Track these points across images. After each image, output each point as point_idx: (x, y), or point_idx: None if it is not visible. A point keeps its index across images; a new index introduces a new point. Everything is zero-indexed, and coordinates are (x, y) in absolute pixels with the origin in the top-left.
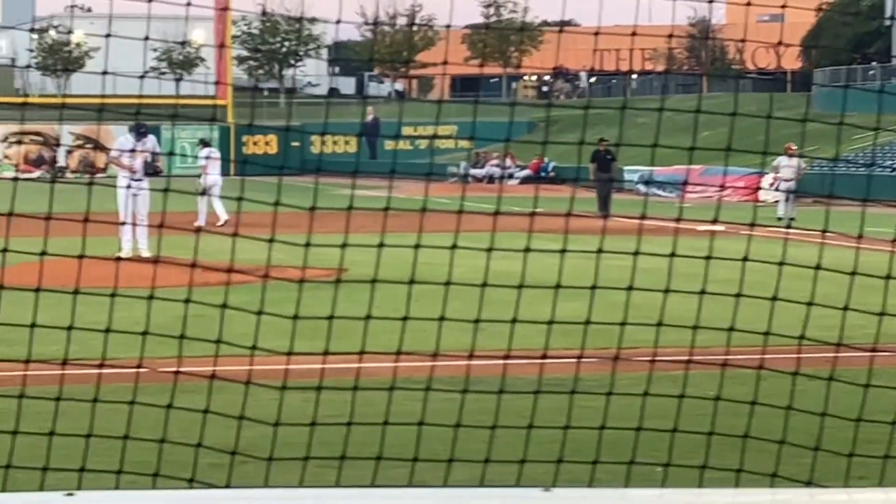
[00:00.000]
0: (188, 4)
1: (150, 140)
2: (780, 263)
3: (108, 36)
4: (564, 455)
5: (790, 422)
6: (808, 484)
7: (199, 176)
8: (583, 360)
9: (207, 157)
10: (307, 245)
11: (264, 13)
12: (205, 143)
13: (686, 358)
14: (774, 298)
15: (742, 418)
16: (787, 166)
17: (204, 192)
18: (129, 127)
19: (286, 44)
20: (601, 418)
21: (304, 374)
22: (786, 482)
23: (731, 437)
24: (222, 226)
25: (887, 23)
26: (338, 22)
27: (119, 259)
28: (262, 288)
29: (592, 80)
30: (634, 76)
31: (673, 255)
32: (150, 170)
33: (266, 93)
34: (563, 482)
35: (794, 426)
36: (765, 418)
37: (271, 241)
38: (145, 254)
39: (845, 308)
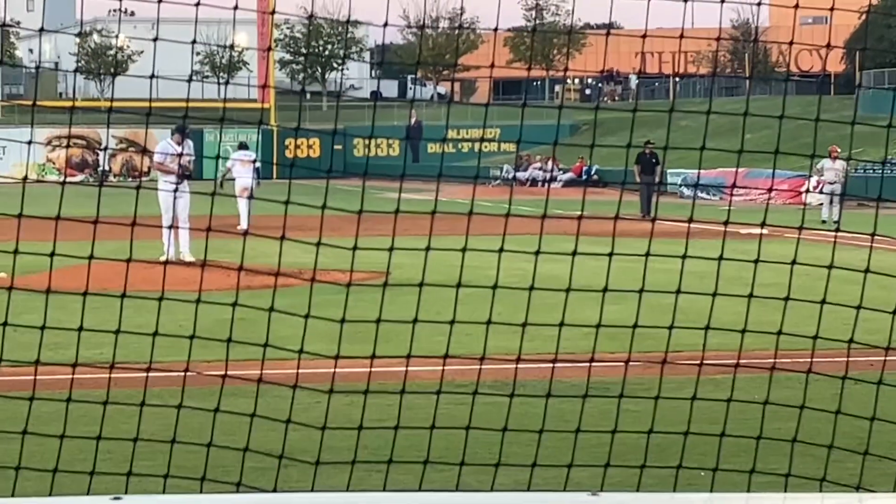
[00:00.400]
0: (235, 8)
1: (188, 144)
2: (829, 267)
3: (155, 40)
4: (611, 459)
5: (838, 426)
6: (857, 489)
7: (223, 176)
8: (630, 363)
9: (236, 160)
10: (354, 248)
11: (310, 17)
12: (242, 146)
13: (733, 362)
14: (823, 302)
15: (790, 422)
16: (831, 169)
17: (251, 197)
18: (173, 129)
19: (329, 47)
20: (648, 422)
21: (350, 378)
22: (834, 487)
23: (779, 441)
24: (243, 232)
25: None
26: (385, 25)
27: (166, 262)
28: (308, 291)
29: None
30: (678, 79)
31: (721, 258)
32: (185, 172)
33: (309, 96)
34: (609, 487)
35: (843, 430)
36: (813, 422)
37: (318, 244)
38: (188, 258)
39: (894, 312)
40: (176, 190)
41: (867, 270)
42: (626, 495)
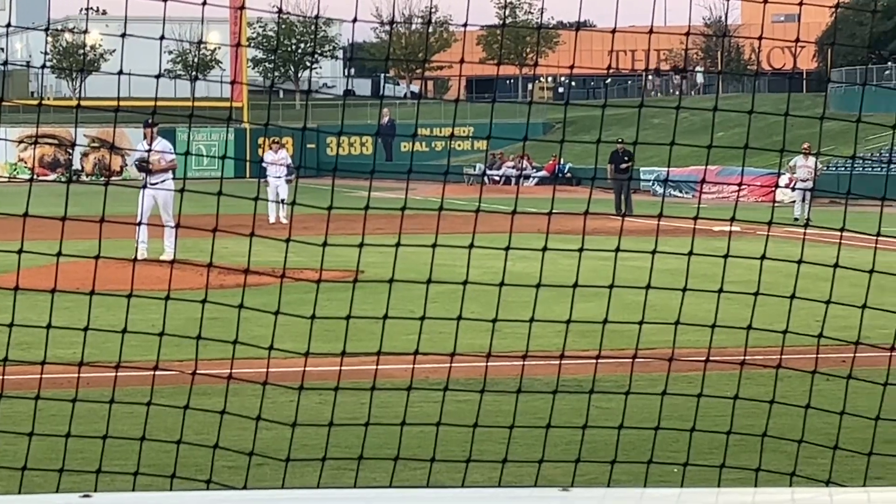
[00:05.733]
0: (204, 3)
1: (160, 141)
2: (799, 262)
3: (123, 35)
4: (582, 455)
5: (808, 422)
6: (827, 484)
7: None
8: (600, 360)
9: (269, 162)
10: (324, 245)
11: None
12: (279, 144)
13: (703, 358)
14: (792, 297)
15: (760, 418)
16: (804, 166)
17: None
18: (145, 124)
19: (302, 45)
20: (619, 419)
21: (320, 376)
22: (804, 482)
23: (749, 436)
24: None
25: None
26: (354, 20)
27: (135, 260)
28: (278, 289)
29: (608, 80)
30: (650, 76)
31: (690, 254)
32: (162, 169)
33: (282, 94)
34: (581, 482)
35: (813, 426)
36: (783, 418)
37: (288, 241)
38: (166, 257)
39: (863, 307)
40: (144, 186)
41: (836, 266)
42: (597, 490)
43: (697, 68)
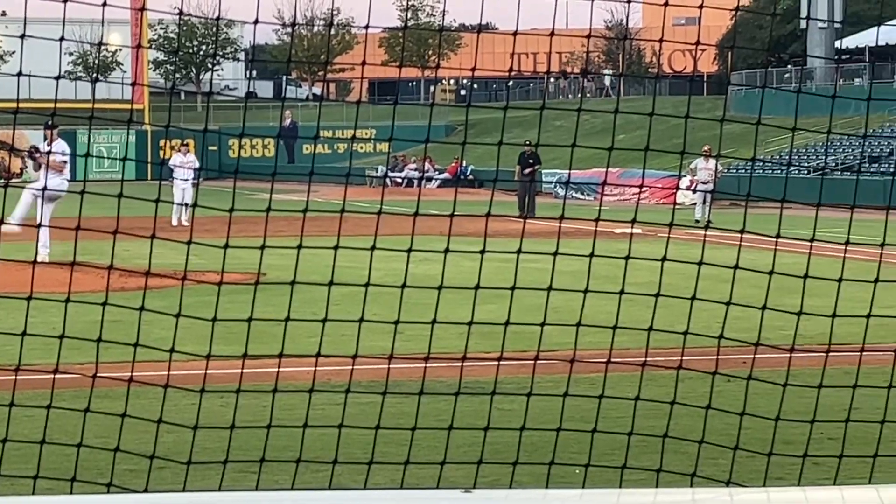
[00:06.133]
0: (104, 5)
1: (59, 142)
2: (699, 264)
3: (23, 37)
4: (484, 457)
5: (709, 422)
6: (728, 484)
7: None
8: (502, 362)
9: (177, 164)
10: (225, 247)
11: (181, 13)
12: (187, 147)
13: (605, 360)
14: (693, 299)
15: (661, 419)
16: (704, 168)
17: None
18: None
19: (203, 47)
20: (521, 420)
21: (222, 379)
22: (705, 482)
23: (650, 437)
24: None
25: (802, 25)
26: (255, 22)
27: (34, 263)
28: (180, 292)
29: (510, 83)
30: (557, 79)
31: (592, 256)
32: (33, 157)
33: (183, 96)
34: (483, 484)
35: (713, 427)
36: (684, 419)
37: (189, 243)
38: (43, 258)
39: (763, 309)
40: (45, 189)
41: (736, 267)
42: (499, 492)
43: (605, 71)
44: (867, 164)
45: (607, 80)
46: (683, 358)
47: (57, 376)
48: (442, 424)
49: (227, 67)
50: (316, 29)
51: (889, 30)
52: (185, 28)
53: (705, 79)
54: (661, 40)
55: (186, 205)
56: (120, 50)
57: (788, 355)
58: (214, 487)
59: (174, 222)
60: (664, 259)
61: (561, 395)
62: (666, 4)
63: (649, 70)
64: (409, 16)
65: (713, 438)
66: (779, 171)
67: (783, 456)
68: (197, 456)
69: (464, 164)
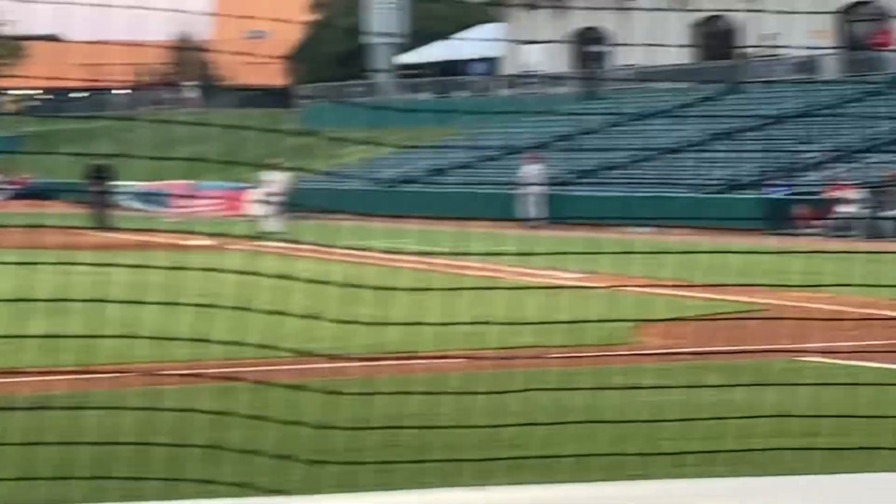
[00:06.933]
0: None
1: None
2: (255, 274)
3: None
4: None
5: (261, 432)
6: (279, 493)
7: None
8: (63, 376)
9: None
10: None
11: None
12: None
13: (170, 372)
14: (243, 309)
15: (218, 431)
16: (275, 181)
17: None
18: None
19: None
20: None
21: None
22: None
23: (205, 448)
24: None
25: (371, 39)
26: None
27: None
28: None
29: (86, 94)
30: (133, 90)
31: (161, 269)
32: None
33: None
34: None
35: (266, 436)
36: (239, 430)
37: None
38: None
39: (303, 317)
40: None
41: (279, 277)
42: None
43: (186, 83)
44: (435, 176)
45: (186, 92)
46: (238, 369)
47: None
48: None
49: None
50: None
51: (452, 44)
52: None
53: (276, 92)
54: (235, 53)
55: None
56: None
57: (332, 365)
58: None
59: None
60: (233, 272)
61: (118, 407)
62: (223, 16)
63: (221, 83)
64: None
65: (266, 447)
66: (351, 184)
67: (331, 463)
68: None
69: (33, 177)
